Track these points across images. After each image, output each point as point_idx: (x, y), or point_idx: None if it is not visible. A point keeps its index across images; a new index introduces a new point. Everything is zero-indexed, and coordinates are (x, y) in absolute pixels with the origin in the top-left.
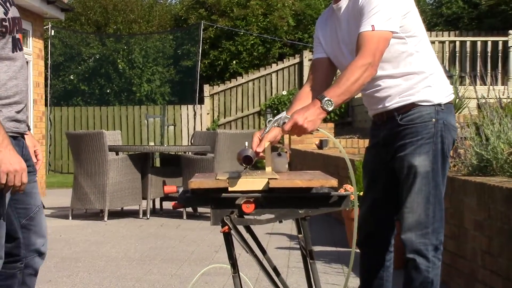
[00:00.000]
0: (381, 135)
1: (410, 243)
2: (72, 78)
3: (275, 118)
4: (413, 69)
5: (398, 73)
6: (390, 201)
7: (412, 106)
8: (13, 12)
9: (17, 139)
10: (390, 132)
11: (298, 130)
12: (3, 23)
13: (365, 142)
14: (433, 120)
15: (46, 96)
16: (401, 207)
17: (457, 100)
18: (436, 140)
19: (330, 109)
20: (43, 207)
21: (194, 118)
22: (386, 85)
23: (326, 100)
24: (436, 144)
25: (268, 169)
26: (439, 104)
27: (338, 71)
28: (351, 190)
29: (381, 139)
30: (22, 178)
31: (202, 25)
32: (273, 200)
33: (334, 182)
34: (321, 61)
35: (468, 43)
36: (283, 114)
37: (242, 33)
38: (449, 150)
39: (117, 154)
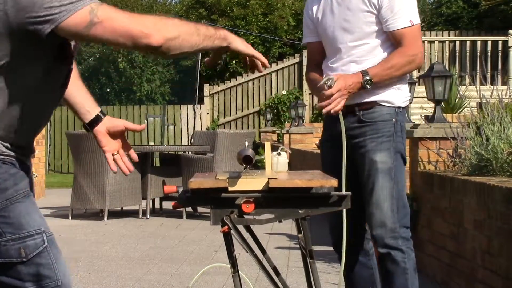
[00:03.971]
0: (338, 128)
1: (381, 239)
2: None
3: (326, 78)
4: None
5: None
6: (354, 192)
7: (374, 104)
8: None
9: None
10: (349, 126)
11: (344, 91)
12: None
13: None
14: (393, 120)
15: None
16: (367, 204)
17: (457, 99)
18: (396, 139)
19: (368, 87)
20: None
21: (194, 118)
22: None
23: (367, 79)
24: (396, 142)
25: (268, 169)
26: (399, 107)
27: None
28: None
29: (339, 132)
30: None
31: None
32: (273, 200)
33: (334, 182)
34: (314, 45)
35: (468, 43)
36: (332, 74)
37: (242, 33)
38: (405, 151)
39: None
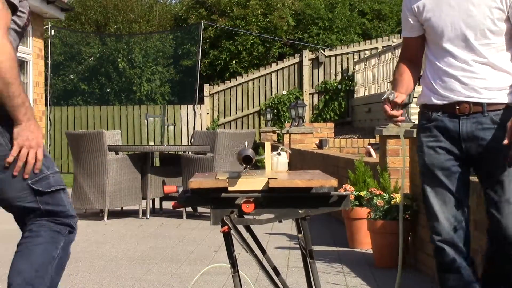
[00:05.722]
0: (459, 128)
1: None
2: (72, 77)
3: (389, 92)
4: (509, 68)
5: (499, 67)
6: (463, 193)
7: (503, 106)
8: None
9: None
10: (476, 127)
11: None
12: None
13: (365, 142)
14: None
15: (46, 96)
16: (501, 207)
17: None
18: None
19: None
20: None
21: (194, 118)
22: (485, 75)
23: None
24: None
25: (268, 169)
26: None
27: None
28: (350, 190)
29: (457, 132)
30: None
31: (202, 24)
32: (273, 200)
33: (334, 182)
34: (413, 40)
35: None
36: (390, 90)
37: (242, 33)
38: None
39: (116, 154)
